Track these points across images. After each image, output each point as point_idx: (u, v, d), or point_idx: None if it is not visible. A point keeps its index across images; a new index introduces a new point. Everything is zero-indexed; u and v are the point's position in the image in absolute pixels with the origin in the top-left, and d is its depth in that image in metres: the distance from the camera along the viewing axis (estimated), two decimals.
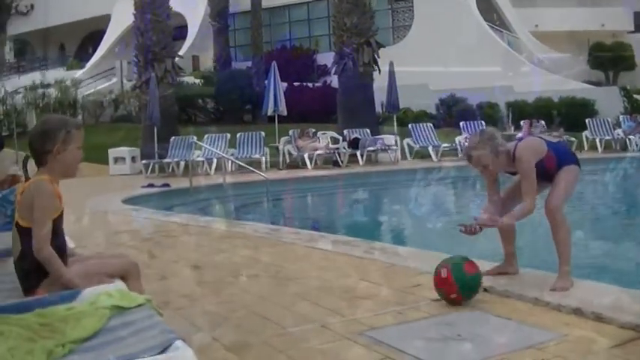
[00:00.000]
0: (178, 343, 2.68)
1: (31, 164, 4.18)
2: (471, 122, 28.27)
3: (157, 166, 25.01)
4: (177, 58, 30.50)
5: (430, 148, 26.37)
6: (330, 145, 25.87)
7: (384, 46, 30.25)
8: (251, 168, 19.56)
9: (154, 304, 3.36)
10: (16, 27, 55.17)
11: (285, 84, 31.84)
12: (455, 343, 4.34)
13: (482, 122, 28.29)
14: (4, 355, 2.67)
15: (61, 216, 4.06)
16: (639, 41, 43.61)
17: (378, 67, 28.68)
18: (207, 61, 46.53)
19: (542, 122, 28.33)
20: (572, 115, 31.70)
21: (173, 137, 25.99)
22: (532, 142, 5.74)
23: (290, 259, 7.56)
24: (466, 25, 40.78)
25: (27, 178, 4.09)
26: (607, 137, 27.77)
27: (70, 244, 4.45)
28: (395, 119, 27.66)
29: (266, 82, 28.84)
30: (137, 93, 32.01)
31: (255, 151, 24.91)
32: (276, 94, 26.57)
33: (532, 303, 5.07)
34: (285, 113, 26.92)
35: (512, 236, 5.92)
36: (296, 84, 38.29)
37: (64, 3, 52.38)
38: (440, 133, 28.14)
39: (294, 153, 25.10)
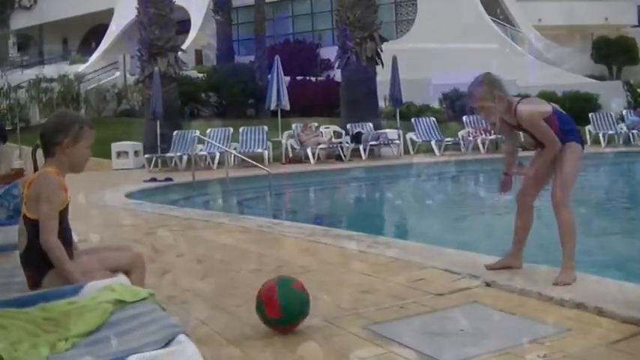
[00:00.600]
0: (181, 337, 2.68)
1: (40, 155, 4.20)
2: (474, 116, 28.27)
3: (159, 160, 25.06)
4: (180, 52, 30.49)
5: (433, 143, 26.41)
6: (333, 140, 25.90)
7: (387, 40, 30.23)
8: (254, 162, 19.57)
9: (156, 298, 3.36)
10: (19, 21, 55.17)
11: (288, 78, 31.85)
12: (457, 338, 4.34)
13: None
14: (8, 349, 2.67)
15: (66, 208, 4.08)
16: None
17: (382, 61, 28.67)
18: (210, 55, 46.49)
19: None
20: (575, 109, 31.65)
21: (176, 131, 26.03)
22: (535, 100, 5.75)
23: (293, 253, 7.56)
24: (469, 19, 40.73)
25: (35, 167, 4.11)
26: (610, 132, 27.77)
27: (74, 237, 4.46)
28: (398, 113, 27.65)
29: (269, 76, 28.87)
30: (140, 87, 32.08)
31: (258, 145, 24.92)
32: (279, 88, 26.59)
33: (535, 297, 5.07)
34: (288, 107, 26.94)
35: (527, 228, 5.88)
36: (299, 78, 38.27)
37: None
38: (443, 127, 28.14)
39: (297, 147, 25.12)
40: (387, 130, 26.62)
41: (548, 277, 5.47)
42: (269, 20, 46.10)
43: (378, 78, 28.90)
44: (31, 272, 4.00)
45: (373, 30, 28.65)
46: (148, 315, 3.08)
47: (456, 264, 6.15)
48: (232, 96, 37.71)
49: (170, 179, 19.74)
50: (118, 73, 41.38)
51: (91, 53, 49.87)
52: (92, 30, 55.80)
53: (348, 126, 26.70)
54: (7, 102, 35.63)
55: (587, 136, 27.50)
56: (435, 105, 36.44)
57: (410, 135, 27.06)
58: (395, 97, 27.75)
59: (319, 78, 41.10)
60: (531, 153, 5.83)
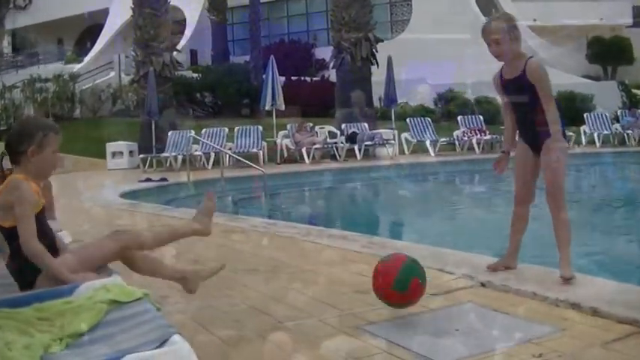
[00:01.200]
0: (176, 337, 2.68)
1: (7, 162, 4.18)
2: (469, 117, 28.33)
3: (154, 160, 25.03)
4: (175, 52, 30.47)
5: (428, 143, 26.43)
6: (328, 140, 25.90)
7: (382, 41, 30.22)
8: (249, 162, 19.55)
9: (151, 298, 3.35)
10: (14, 21, 55.05)
11: (283, 78, 31.86)
12: (452, 338, 4.34)
13: (480, 117, 28.37)
14: (2, 349, 2.67)
15: (42, 211, 4.05)
16: (638, 35, 43.61)
17: (377, 61, 28.67)
18: (206, 56, 46.49)
19: None
20: (570, 109, 31.70)
21: (171, 131, 26.02)
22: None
23: (288, 253, 7.56)
24: (464, 19, 40.76)
25: (2, 176, 4.08)
26: (605, 132, 27.81)
27: (68, 238, 4.45)
28: (393, 113, 27.66)
29: (264, 76, 28.87)
30: (135, 87, 32.03)
31: (253, 145, 24.90)
32: (274, 88, 26.58)
33: (530, 298, 5.07)
34: (283, 107, 26.93)
35: (523, 228, 5.87)
36: (294, 78, 38.28)
37: None
38: (438, 127, 28.16)
39: (292, 147, 25.11)
40: (382, 130, 26.63)
41: (543, 277, 5.48)
42: (264, 20, 46.11)
43: (373, 78, 28.90)
44: (21, 277, 3.97)
45: (368, 30, 28.65)
46: (142, 315, 3.07)
47: (450, 264, 6.15)
48: (227, 96, 37.74)
49: (165, 179, 19.72)
50: (113, 73, 41.32)
51: (86, 53, 49.83)
52: (87, 30, 55.73)
53: (343, 126, 26.70)
54: (2, 102, 35.55)
55: (582, 137, 27.55)
56: (430, 105, 36.46)
57: (405, 135, 27.06)
58: (390, 98, 27.76)
59: (314, 78, 41.13)
60: None
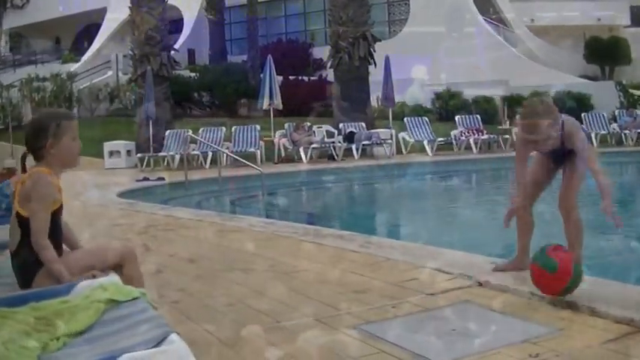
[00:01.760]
0: (173, 336, 2.68)
1: (30, 160, 4.19)
2: (466, 116, 28.35)
3: (152, 159, 25.01)
4: (172, 52, 30.44)
5: (425, 142, 26.41)
6: (326, 139, 25.89)
7: (380, 40, 30.21)
8: (246, 162, 19.53)
9: (148, 297, 3.35)
10: (12, 20, 55.03)
11: (280, 77, 31.84)
12: (449, 338, 4.34)
13: (478, 116, 28.39)
14: None
15: (60, 209, 4.07)
16: (635, 35, 43.62)
17: (374, 60, 28.65)
18: (203, 55, 46.47)
19: None
20: (568, 109, 31.72)
21: (168, 131, 26.00)
22: (570, 117, 5.57)
23: (285, 252, 7.56)
24: (462, 19, 40.78)
25: (24, 173, 4.10)
26: (603, 132, 27.84)
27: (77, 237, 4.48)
28: (390, 113, 27.65)
29: (261, 75, 28.85)
30: (132, 86, 32.00)
31: (251, 144, 24.88)
32: (271, 87, 26.58)
33: (527, 297, 5.07)
34: (280, 107, 26.93)
35: (530, 230, 5.86)
36: (291, 77, 38.27)
37: None
38: (435, 127, 28.16)
39: (290, 147, 25.11)
40: (380, 130, 26.63)
41: None
42: (262, 20, 46.10)
43: (371, 78, 28.89)
44: (22, 270, 3.99)
45: (366, 30, 28.63)
46: (139, 314, 3.07)
47: (448, 264, 6.15)
48: (225, 95, 37.72)
49: (162, 179, 19.71)
50: (110, 73, 41.27)
51: (83, 52, 49.75)
52: (85, 29, 55.65)
53: (341, 125, 26.69)
54: (0, 101, 35.52)
55: (591, 137, 27.57)
56: (428, 104, 36.46)
57: (402, 135, 27.05)
58: (388, 97, 27.73)
59: (312, 77, 41.12)
60: None
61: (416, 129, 27.26)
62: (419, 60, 36.21)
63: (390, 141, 26.00)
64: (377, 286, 5.68)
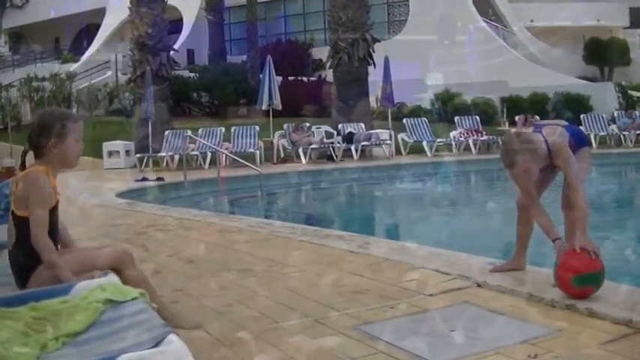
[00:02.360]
0: (172, 336, 2.68)
1: (31, 158, 4.19)
2: (466, 117, 28.35)
3: (151, 160, 25.00)
4: (172, 52, 30.43)
5: (425, 143, 26.40)
6: (325, 140, 25.88)
7: (379, 41, 30.21)
8: (245, 162, 19.53)
9: (147, 298, 3.35)
10: (11, 20, 55.04)
11: (280, 78, 31.83)
12: (448, 338, 4.34)
13: (477, 117, 28.40)
14: None
15: (55, 207, 4.07)
16: (635, 37, 43.64)
17: (373, 61, 28.65)
18: (203, 55, 46.45)
19: (537, 117, 28.32)
20: (567, 110, 31.72)
21: (167, 131, 25.99)
22: (558, 130, 5.46)
23: (284, 253, 7.55)
24: (461, 20, 40.80)
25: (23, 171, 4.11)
26: (602, 133, 27.85)
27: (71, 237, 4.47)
28: (390, 114, 27.65)
29: (261, 75, 28.85)
30: (132, 87, 31.96)
31: (250, 145, 24.88)
32: (270, 88, 26.55)
33: (526, 298, 5.08)
34: (279, 107, 26.91)
35: (529, 231, 5.86)
36: (291, 78, 38.27)
37: None
38: (434, 128, 28.16)
39: (289, 147, 25.11)
40: (379, 131, 26.62)
41: (538, 278, 5.49)
42: (261, 20, 46.10)
43: (370, 78, 28.89)
44: (19, 270, 3.99)
45: (365, 30, 28.62)
46: (138, 315, 3.07)
47: (446, 264, 6.16)
48: (224, 96, 37.73)
49: (161, 179, 19.70)
50: (109, 73, 41.26)
51: (82, 52, 49.71)
52: (84, 29, 55.63)
53: (340, 126, 26.69)
54: None
55: (587, 138, 27.51)
56: (427, 105, 36.47)
57: (401, 135, 27.05)
58: (387, 98, 27.73)
59: (311, 78, 41.13)
60: None
61: (415, 130, 27.25)
62: (418, 61, 36.22)
63: (389, 142, 26.00)
64: (375, 287, 5.68)
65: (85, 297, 3.26)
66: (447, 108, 34.73)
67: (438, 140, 26.80)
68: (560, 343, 4.12)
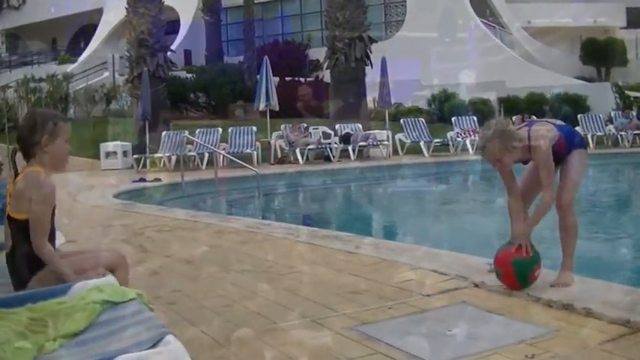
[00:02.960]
0: (169, 337, 2.68)
1: (20, 158, 4.17)
2: (463, 117, 28.34)
3: (148, 160, 24.98)
4: (169, 53, 30.41)
5: (422, 144, 26.41)
6: (322, 140, 25.87)
7: (376, 41, 30.21)
8: (243, 163, 19.52)
9: (144, 298, 3.35)
10: (8, 21, 54.98)
11: (277, 79, 31.82)
12: (446, 339, 4.35)
13: (474, 117, 28.38)
14: None
15: (53, 210, 4.06)
16: (632, 37, 43.65)
17: (371, 62, 28.65)
18: (200, 56, 46.43)
19: (534, 117, 28.31)
20: (564, 110, 31.73)
21: (165, 132, 25.96)
22: (545, 129, 5.48)
23: (281, 254, 7.55)
24: (458, 20, 40.79)
25: (16, 172, 4.08)
26: (599, 133, 27.86)
27: (61, 239, 4.45)
28: (387, 114, 27.65)
29: (258, 76, 28.83)
30: (129, 87, 31.94)
31: (247, 145, 24.88)
32: (267, 88, 26.53)
33: (523, 298, 5.08)
34: (277, 108, 26.90)
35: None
36: (288, 79, 38.27)
37: None
38: (432, 128, 28.17)
39: (286, 148, 25.11)
40: (376, 131, 26.61)
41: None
42: (258, 21, 46.07)
43: (367, 79, 28.89)
44: (16, 272, 3.98)
45: (362, 31, 28.62)
46: (136, 315, 3.07)
47: (444, 265, 6.16)
48: (221, 96, 37.73)
49: (159, 180, 19.69)
50: (106, 73, 41.21)
51: (79, 53, 49.67)
52: (81, 30, 55.61)
53: (337, 127, 26.68)
54: None
55: (584, 140, 27.55)
56: (424, 106, 36.48)
57: (399, 136, 27.06)
58: (384, 98, 27.74)
59: (308, 78, 41.13)
60: None
61: (412, 130, 27.25)
62: (415, 61, 36.22)
63: (386, 142, 26.00)
64: (373, 287, 5.68)
65: (82, 298, 3.26)
66: (445, 108, 34.74)
67: (436, 140, 26.81)
68: (557, 343, 4.12)
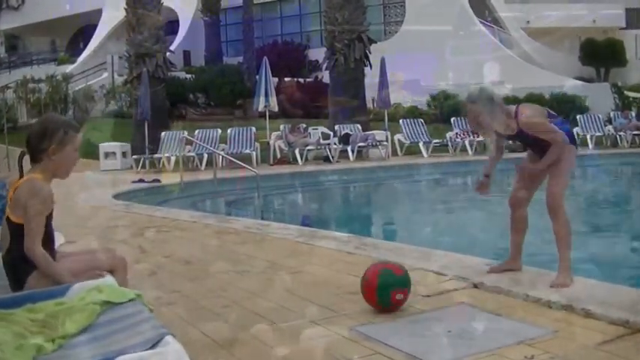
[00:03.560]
0: (169, 338, 2.68)
1: (27, 161, 4.18)
2: (462, 118, 28.32)
3: (147, 161, 25.00)
4: (168, 53, 30.43)
5: (421, 144, 26.42)
6: (321, 141, 25.89)
7: (375, 42, 30.23)
8: (242, 163, 19.50)
9: (144, 299, 3.35)
10: (7, 22, 54.93)
11: (276, 79, 31.82)
12: (445, 339, 4.34)
13: None
14: None
15: (51, 213, 4.07)
16: (630, 38, 43.68)
17: (370, 62, 28.67)
18: (199, 56, 46.45)
19: None
20: (563, 111, 31.72)
21: (164, 132, 25.99)
22: (533, 106, 5.65)
23: (280, 254, 7.55)
24: (458, 21, 40.82)
25: (21, 174, 4.08)
26: (598, 133, 27.87)
27: (60, 239, 4.45)
28: (386, 115, 27.67)
29: (257, 77, 28.84)
30: (128, 88, 31.98)
31: (246, 146, 24.89)
32: (267, 89, 26.54)
33: (522, 299, 5.08)
34: (276, 109, 26.91)
35: (523, 230, 5.86)
36: (287, 79, 38.28)
37: None
38: (431, 128, 28.18)
39: (285, 148, 25.11)
40: (375, 132, 26.63)
41: (535, 278, 5.49)
42: (257, 21, 46.07)
43: (367, 79, 28.91)
44: (13, 273, 3.98)
45: (362, 31, 28.65)
46: (135, 316, 3.07)
47: (443, 265, 6.16)
48: (220, 97, 37.74)
49: (158, 180, 19.68)
50: (106, 74, 41.21)
51: (79, 54, 49.67)
52: (80, 30, 55.61)
53: (336, 127, 26.70)
54: None
55: (575, 138, 27.61)
56: (424, 106, 36.48)
57: (398, 136, 27.08)
58: (383, 99, 27.74)
59: (307, 79, 41.15)
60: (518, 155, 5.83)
61: (411, 131, 27.27)
62: (414, 62, 36.22)
63: (385, 143, 26.01)
64: None
65: (81, 298, 3.25)
66: (443, 109, 34.73)
67: (435, 141, 26.81)
68: (556, 344, 4.12)
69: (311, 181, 21.15)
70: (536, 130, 5.46)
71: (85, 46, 50.74)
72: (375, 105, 30.92)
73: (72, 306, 3.18)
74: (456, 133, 27.10)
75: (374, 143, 25.71)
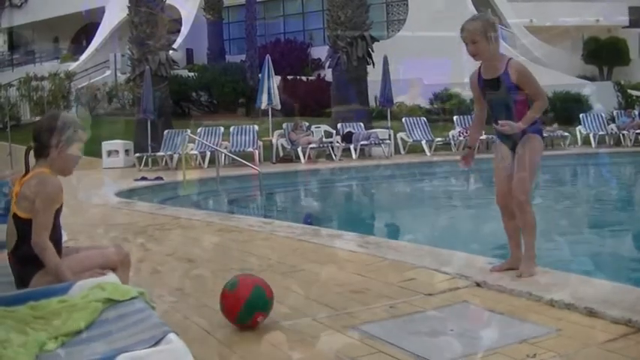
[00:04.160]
0: (171, 336, 2.68)
1: (32, 156, 4.19)
2: (465, 116, 28.32)
3: (150, 159, 25.01)
4: (171, 51, 30.44)
5: (424, 142, 26.42)
6: (324, 139, 25.89)
7: (378, 40, 30.22)
8: (244, 161, 19.53)
9: (146, 297, 3.35)
10: (10, 19, 54.96)
11: (279, 77, 31.82)
12: (447, 338, 4.34)
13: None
14: None
15: (60, 208, 4.08)
16: (634, 36, 43.64)
17: (372, 60, 28.67)
18: (202, 54, 46.44)
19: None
20: (566, 109, 31.71)
21: (167, 130, 26.01)
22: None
23: (283, 252, 7.55)
24: (460, 19, 40.79)
25: (27, 169, 4.09)
26: (601, 132, 27.86)
27: (64, 236, 4.45)
28: (389, 113, 27.66)
29: (260, 75, 28.84)
30: (131, 86, 32.00)
31: (249, 144, 24.90)
32: (269, 87, 26.55)
33: (525, 298, 5.07)
34: (278, 107, 26.92)
35: (517, 226, 5.85)
36: (290, 77, 38.28)
37: None
38: (433, 127, 28.17)
39: (288, 147, 25.12)
40: (378, 130, 26.63)
41: (538, 277, 5.48)
42: (260, 19, 46.07)
43: (369, 78, 28.91)
44: (19, 270, 3.99)
45: (364, 29, 28.65)
46: (137, 314, 3.07)
47: (446, 264, 6.15)
48: (223, 95, 37.77)
49: (160, 178, 19.71)
50: (108, 72, 41.26)
51: (82, 51, 49.70)
52: (83, 28, 55.61)
53: (339, 125, 26.71)
54: None
55: (578, 137, 27.65)
56: (426, 105, 36.47)
57: (400, 135, 27.08)
58: (386, 97, 27.74)
59: (310, 77, 41.14)
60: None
61: (414, 129, 27.27)
62: (417, 60, 36.19)
63: (388, 141, 26.02)
64: (375, 287, 5.67)
65: (84, 296, 3.26)
66: (446, 107, 34.72)
67: (437, 139, 26.81)
68: (559, 343, 4.11)
69: (313, 180, 21.15)
70: (523, 77, 5.54)
71: (88, 44, 50.78)
72: (377, 103, 30.91)
73: (75, 303, 3.18)
74: (459, 131, 27.10)
75: (376, 141, 25.71)
